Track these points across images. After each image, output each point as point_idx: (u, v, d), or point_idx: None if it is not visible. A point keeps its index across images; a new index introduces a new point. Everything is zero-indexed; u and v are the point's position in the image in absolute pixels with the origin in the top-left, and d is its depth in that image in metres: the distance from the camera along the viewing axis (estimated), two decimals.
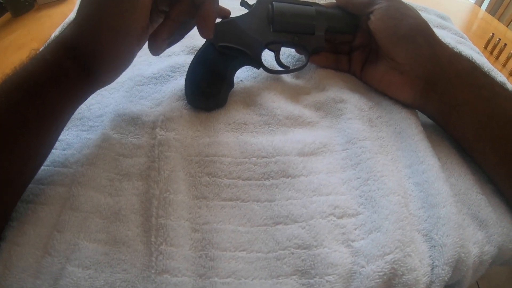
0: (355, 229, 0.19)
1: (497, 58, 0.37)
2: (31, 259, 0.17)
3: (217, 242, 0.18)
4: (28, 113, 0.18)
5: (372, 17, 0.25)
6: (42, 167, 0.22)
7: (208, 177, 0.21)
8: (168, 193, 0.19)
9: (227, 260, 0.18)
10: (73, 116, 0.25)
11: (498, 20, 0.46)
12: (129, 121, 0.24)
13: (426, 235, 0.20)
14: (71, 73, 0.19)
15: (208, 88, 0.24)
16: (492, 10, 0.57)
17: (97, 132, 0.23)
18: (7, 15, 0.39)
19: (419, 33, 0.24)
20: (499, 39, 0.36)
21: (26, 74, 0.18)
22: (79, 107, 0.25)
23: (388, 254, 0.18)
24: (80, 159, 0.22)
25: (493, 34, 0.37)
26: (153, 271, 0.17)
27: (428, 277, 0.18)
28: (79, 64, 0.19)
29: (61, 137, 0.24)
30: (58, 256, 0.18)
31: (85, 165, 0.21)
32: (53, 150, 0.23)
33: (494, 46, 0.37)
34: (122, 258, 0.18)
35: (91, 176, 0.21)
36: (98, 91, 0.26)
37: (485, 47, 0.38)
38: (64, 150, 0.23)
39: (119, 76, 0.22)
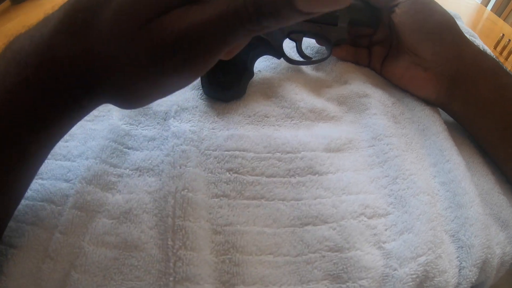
0: (386, 229, 0.18)
1: (506, 59, 0.36)
2: (31, 264, 0.15)
3: (242, 245, 0.16)
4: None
5: (397, 10, 0.23)
6: None
7: (229, 174, 0.18)
8: (186, 190, 0.17)
9: (253, 265, 0.16)
10: None
11: (504, 20, 0.44)
12: (139, 111, 0.21)
13: (453, 236, 0.18)
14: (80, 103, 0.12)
15: (226, 78, 0.21)
16: (498, 10, 0.56)
17: (103, 123, 0.20)
18: (7, 2, 0.36)
19: (447, 29, 0.23)
20: (509, 40, 0.35)
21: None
22: None
23: (421, 256, 0.16)
24: (85, 151, 0.19)
25: (503, 35, 0.36)
26: (171, 278, 0.15)
27: (456, 278, 0.17)
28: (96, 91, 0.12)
29: None
30: (61, 261, 0.15)
31: (90, 159, 0.18)
32: None
33: (504, 47, 0.36)
34: (135, 263, 0.15)
35: (97, 170, 0.18)
36: None
37: (495, 48, 0.37)
38: (67, 141, 0.20)
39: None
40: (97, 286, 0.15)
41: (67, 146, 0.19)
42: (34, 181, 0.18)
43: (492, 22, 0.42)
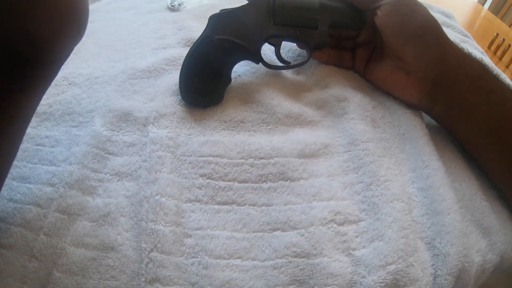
0: (356, 237, 0.17)
1: (500, 58, 0.34)
2: (18, 263, 0.16)
3: (211, 249, 0.16)
4: None
5: (379, 12, 0.22)
6: (30, 165, 0.19)
7: (203, 179, 0.18)
8: (159, 195, 0.17)
9: (221, 268, 0.16)
10: (63, 111, 0.22)
11: (500, 19, 0.42)
12: (121, 117, 0.21)
13: (429, 243, 0.18)
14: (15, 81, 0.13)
15: (203, 84, 0.21)
16: (495, 10, 0.53)
17: (86, 129, 0.21)
18: None
19: (429, 32, 0.22)
20: (503, 40, 0.34)
21: None
22: (70, 102, 0.23)
23: (391, 264, 0.16)
24: (69, 157, 0.19)
25: (497, 34, 0.34)
26: (143, 279, 0.15)
27: (430, 287, 0.17)
28: (23, 63, 0.12)
29: (49, 133, 0.21)
30: (45, 261, 0.16)
31: (73, 164, 0.19)
32: (41, 147, 0.20)
33: (498, 47, 0.34)
34: (111, 264, 0.16)
35: (80, 175, 0.18)
36: (89, 85, 0.24)
37: (489, 47, 0.35)
38: (53, 147, 0.20)
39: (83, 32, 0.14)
40: (77, 285, 0.15)
41: (53, 152, 0.20)
42: (22, 184, 0.18)
43: (488, 21, 0.40)
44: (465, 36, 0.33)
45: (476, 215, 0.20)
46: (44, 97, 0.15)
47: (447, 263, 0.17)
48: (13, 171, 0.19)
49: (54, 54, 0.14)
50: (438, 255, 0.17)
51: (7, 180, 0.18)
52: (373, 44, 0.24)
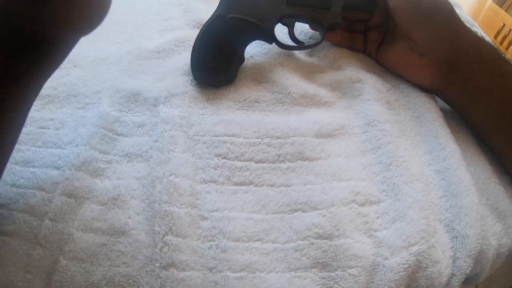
0: (378, 217, 0.16)
1: (507, 48, 0.33)
2: (21, 251, 0.14)
3: (229, 232, 0.15)
4: None
5: None
6: (34, 148, 0.18)
7: (218, 159, 0.17)
8: (173, 176, 0.16)
9: (240, 252, 0.15)
10: (68, 93, 0.21)
11: (505, 11, 0.42)
12: (129, 97, 0.20)
13: (447, 226, 0.17)
14: (27, 60, 0.11)
15: (216, 63, 0.20)
16: (500, 1, 0.53)
17: (93, 110, 0.19)
18: None
19: (442, 13, 0.21)
20: (510, 30, 0.33)
21: None
22: (75, 84, 0.21)
23: (413, 245, 0.15)
24: (75, 139, 0.18)
25: (504, 24, 0.33)
26: (157, 264, 0.14)
27: (450, 269, 0.16)
28: (36, 44, 0.11)
29: (54, 115, 0.20)
30: (50, 247, 0.14)
31: (80, 146, 0.17)
32: (45, 130, 0.19)
33: (504, 37, 0.33)
34: (122, 249, 0.14)
35: (87, 157, 0.17)
36: (94, 66, 0.22)
37: (495, 37, 0.34)
38: (57, 129, 0.19)
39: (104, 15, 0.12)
40: (85, 272, 0.14)
41: (58, 134, 0.18)
42: (26, 169, 0.17)
43: (493, 13, 0.40)
44: (472, 25, 0.32)
45: (491, 199, 0.19)
46: (48, 80, 0.14)
47: (466, 245, 0.16)
48: (16, 155, 0.17)
49: (69, 35, 0.12)
50: (457, 237, 0.16)
51: (10, 165, 0.17)
52: (385, 27, 0.24)
